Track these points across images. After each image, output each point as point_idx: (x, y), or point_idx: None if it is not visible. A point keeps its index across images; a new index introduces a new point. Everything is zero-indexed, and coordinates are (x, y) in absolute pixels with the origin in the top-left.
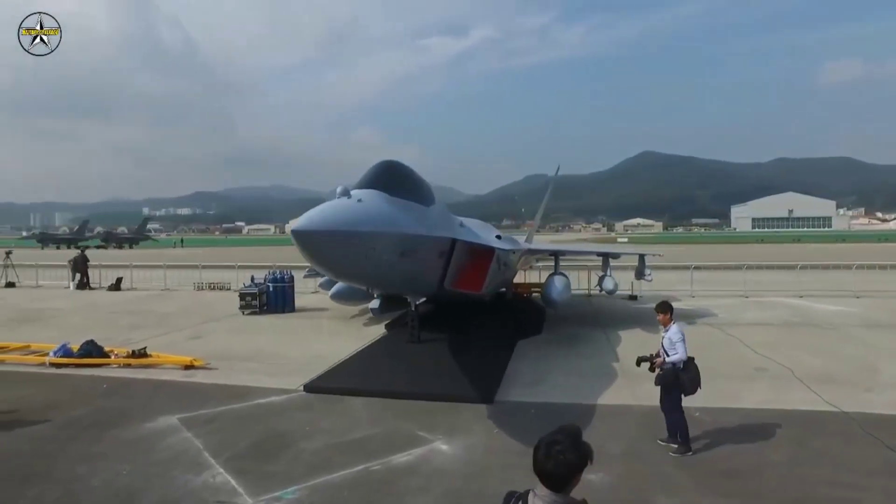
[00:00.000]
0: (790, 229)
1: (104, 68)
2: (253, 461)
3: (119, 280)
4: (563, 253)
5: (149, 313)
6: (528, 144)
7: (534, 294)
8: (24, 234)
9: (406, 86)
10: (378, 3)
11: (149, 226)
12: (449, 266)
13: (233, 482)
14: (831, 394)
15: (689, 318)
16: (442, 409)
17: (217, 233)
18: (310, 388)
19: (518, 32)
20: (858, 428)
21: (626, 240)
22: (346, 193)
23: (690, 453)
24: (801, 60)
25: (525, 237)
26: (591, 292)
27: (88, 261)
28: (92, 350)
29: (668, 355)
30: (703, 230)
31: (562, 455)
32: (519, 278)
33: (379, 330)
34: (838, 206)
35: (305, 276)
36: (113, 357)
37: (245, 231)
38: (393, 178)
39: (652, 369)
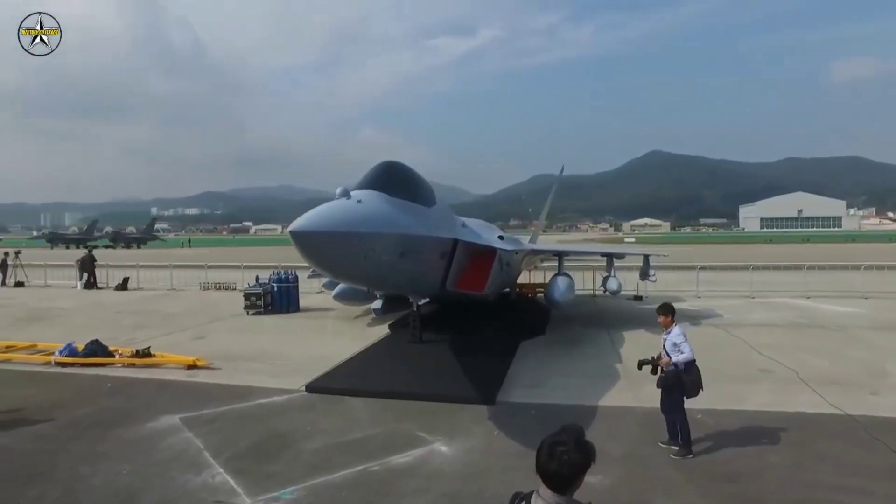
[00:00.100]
0: (799, 229)
1: (114, 69)
2: (252, 461)
3: (126, 280)
4: (567, 253)
5: (154, 313)
6: (534, 144)
7: (538, 294)
8: (35, 233)
9: (413, 86)
10: (386, 3)
11: (157, 226)
12: (451, 267)
13: (232, 482)
14: (836, 396)
15: (694, 318)
16: (443, 410)
17: (225, 233)
18: (311, 388)
19: (526, 32)
20: (863, 431)
21: (633, 240)
22: (345, 194)
23: (691, 456)
24: (810, 59)
25: (529, 237)
26: (596, 293)
27: (95, 261)
28: (97, 349)
29: (668, 357)
30: (710, 230)
31: (565, 455)
32: (524, 279)
33: (383, 330)
34: (848, 206)
35: (309, 277)
36: (117, 357)
37: (252, 231)
38: (393, 179)
39: (654, 372)
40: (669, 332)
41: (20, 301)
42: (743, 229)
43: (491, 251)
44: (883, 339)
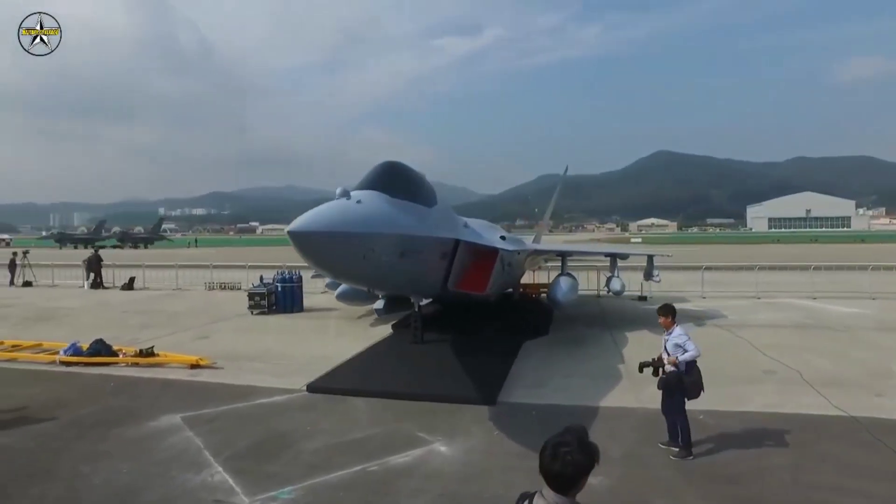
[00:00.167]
0: (807, 229)
1: (121, 70)
2: (252, 461)
3: (132, 280)
4: (570, 253)
5: (159, 313)
6: (540, 144)
7: (542, 295)
8: (44, 233)
9: (419, 86)
10: (393, 3)
11: (164, 226)
12: (452, 267)
13: (230, 481)
14: (840, 398)
15: (699, 319)
16: (443, 410)
17: (231, 233)
18: (313, 388)
19: (531, 32)
20: (867, 433)
21: (639, 240)
22: (345, 194)
23: (691, 457)
24: (819, 58)
25: (533, 237)
26: (600, 293)
27: (102, 261)
28: (101, 349)
29: (675, 357)
30: (717, 230)
31: (569, 456)
32: (528, 279)
33: (385, 330)
34: (858, 206)
35: (313, 277)
36: (121, 356)
37: (259, 231)
38: (393, 179)
39: (655, 374)
40: (671, 333)
41: (28, 300)
42: (750, 229)
43: (493, 251)
44: (889, 340)
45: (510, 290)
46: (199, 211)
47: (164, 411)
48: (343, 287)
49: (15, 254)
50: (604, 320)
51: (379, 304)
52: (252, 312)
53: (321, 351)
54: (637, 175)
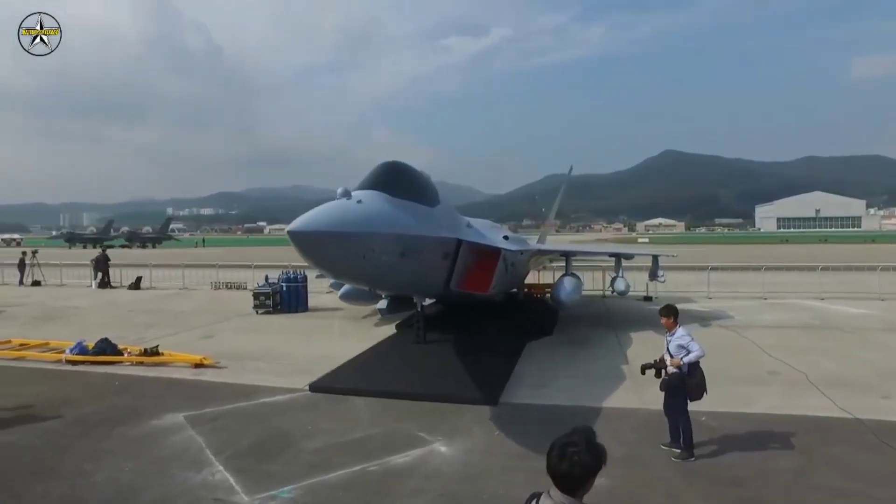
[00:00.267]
0: (817, 229)
1: (131, 72)
2: (252, 460)
3: (139, 279)
4: (574, 253)
5: (165, 312)
6: (547, 144)
7: (547, 295)
8: (54, 233)
9: (424, 86)
10: (396, 3)
11: (172, 226)
12: (455, 267)
13: (231, 480)
14: (846, 400)
15: (704, 320)
16: (445, 411)
17: (239, 232)
18: (315, 387)
19: (537, 32)
20: (872, 436)
21: (646, 240)
22: (346, 194)
23: (693, 459)
24: (829, 56)
25: (538, 237)
26: (606, 293)
27: (109, 260)
28: (106, 348)
29: (678, 358)
30: (726, 230)
31: (576, 456)
32: (533, 279)
33: (389, 330)
34: (868, 206)
35: (318, 277)
36: (126, 355)
37: (266, 231)
38: (395, 179)
39: (658, 375)
40: (673, 334)
41: (36, 300)
42: (759, 229)
43: (496, 251)
44: None
45: (515, 290)
46: (206, 211)
47: (167, 410)
48: (346, 287)
49: (24, 253)
50: (609, 321)
51: (382, 303)
52: (257, 312)
53: (324, 351)
54: (645, 175)
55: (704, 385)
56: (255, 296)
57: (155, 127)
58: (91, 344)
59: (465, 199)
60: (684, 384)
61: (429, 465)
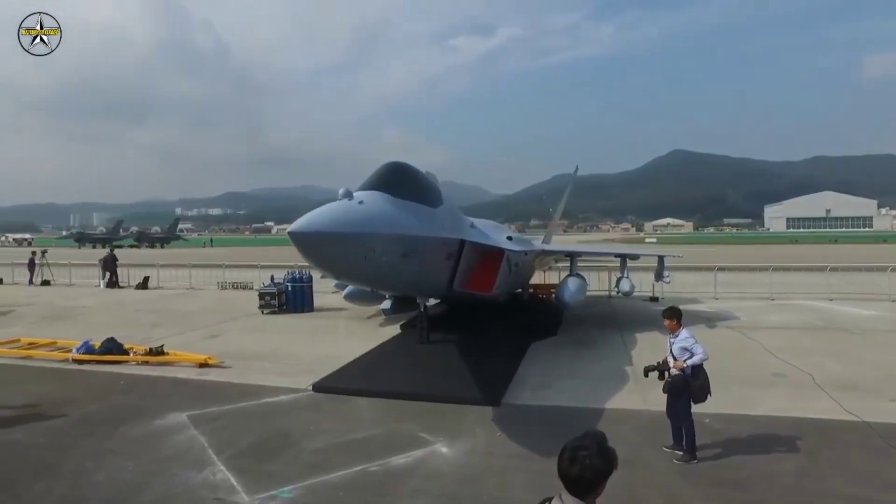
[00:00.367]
0: (827, 230)
1: (140, 72)
2: (254, 459)
3: (146, 279)
4: (579, 254)
5: (171, 312)
6: (555, 144)
7: (552, 295)
8: (64, 233)
9: (434, 86)
10: (407, 3)
11: (181, 226)
12: (458, 267)
13: (232, 480)
14: (852, 402)
15: (710, 321)
16: (447, 411)
17: (247, 232)
18: (318, 387)
19: (546, 31)
20: (879, 439)
21: (654, 240)
22: (348, 195)
23: (695, 461)
24: (839, 55)
25: (543, 237)
26: (612, 294)
27: (117, 260)
28: (112, 347)
29: (681, 361)
30: (734, 230)
31: (588, 460)
32: (539, 279)
33: (394, 331)
34: (880, 206)
35: (323, 277)
36: (132, 354)
37: (274, 231)
38: (397, 180)
39: (661, 377)
40: (677, 336)
41: (45, 299)
42: (768, 229)
43: (499, 252)
44: None
45: (519, 290)
46: (215, 211)
47: (171, 409)
48: (351, 287)
49: (34, 253)
50: (614, 321)
51: (386, 304)
52: (262, 312)
53: (328, 351)
54: (653, 174)
55: (708, 387)
56: (261, 296)
57: (164, 127)
58: (97, 343)
59: (473, 200)
60: (688, 386)
61: (430, 466)
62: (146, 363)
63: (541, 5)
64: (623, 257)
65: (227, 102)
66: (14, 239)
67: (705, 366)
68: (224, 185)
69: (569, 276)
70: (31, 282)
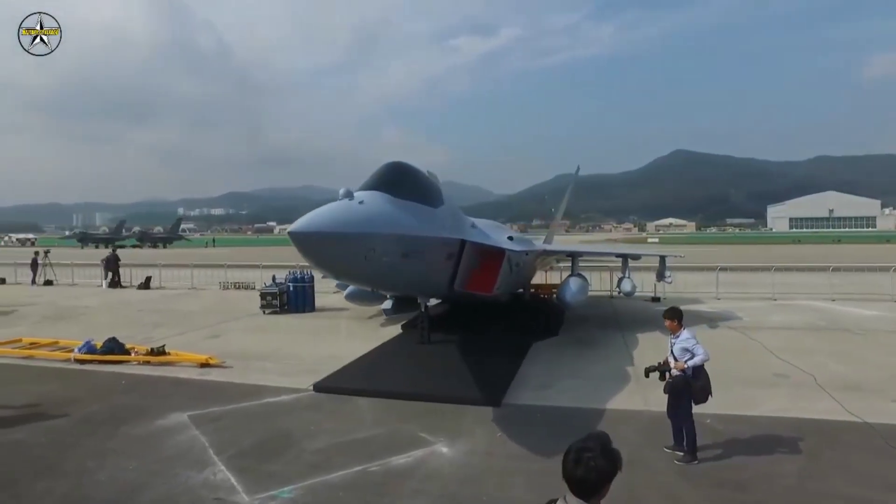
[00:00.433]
0: (831, 230)
1: (143, 72)
2: (254, 459)
3: (148, 279)
4: (580, 254)
5: (173, 312)
6: (557, 144)
7: (554, 295)
8: (67, 233)
9: (434, 86)
10: (407, 3)
11: (183, 226)
12: (459, 267)
13: (232, 480)
14: (855, 403)
15: (712, 321)
16: (447, 411)
17: (249, 232)
18: (319, 387)
19: (546, 31)
20: (881, 440)
21: (656, 240)
22: (348, 195)
23: (696, 462)
24: (842, 55)
25: (544, 237)
26: (613, 294)
27: (120, 260)
28: (114, 347)
29: (682, 361)
30: (737, 230)
31: (592, 462)
32: (540, 279)
33: (395, 331)
34: (883, 206)
35: (324, 277)
36: (133, 354)
37: (276, 231)
38: (397, 180)
39: (662, 378)
40: (678, 337)
41: (48, 299)
42: (771, 229)
43: (500, 252)
44: None
45: (521, 290)
46: (217, 211)
47: (172, 409)
48: (352, 287)
49: (37, 253)
50: (616, 321)
51: (387, 304)
52: (264, 312)
53: (330, 351)
54: (655, 174)
55: (709, 388)
56: (263, 296)
57: (166, 127)
58: (99, 343)
59: (475, 200)
60: (689, 387)
61: (429, 466)
62: (148, 363)
63: (541, 5)
64: (624, 257)
65: (227, 102)
66: (17, 239)
67: (706, 366)
68: (225, 185)
69: (570, 276)
70: (33, 282)
